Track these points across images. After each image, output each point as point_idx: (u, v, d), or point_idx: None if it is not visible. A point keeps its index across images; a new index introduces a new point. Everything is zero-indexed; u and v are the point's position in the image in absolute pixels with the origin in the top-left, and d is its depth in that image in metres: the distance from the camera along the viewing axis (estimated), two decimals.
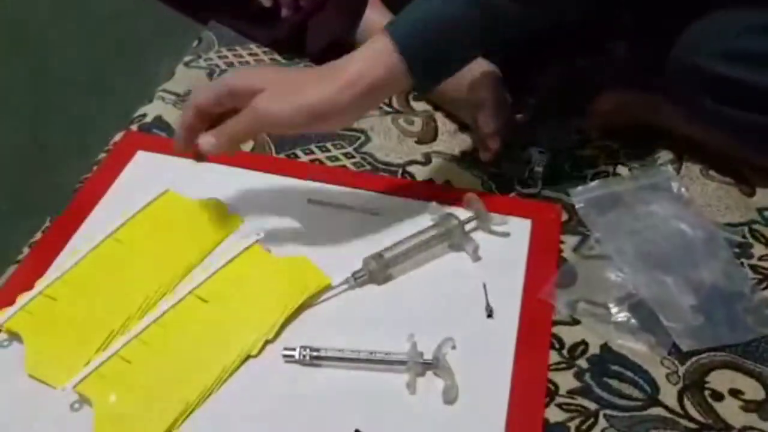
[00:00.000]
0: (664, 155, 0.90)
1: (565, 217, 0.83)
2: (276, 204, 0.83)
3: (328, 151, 0.90)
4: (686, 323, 0.72)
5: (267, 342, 0.69)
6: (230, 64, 1.03)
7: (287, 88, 0.68)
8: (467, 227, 0.79)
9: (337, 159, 0.89)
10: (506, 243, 0.79)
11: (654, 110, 0.88)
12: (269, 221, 0.80)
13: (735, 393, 0.67)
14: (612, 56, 0.94)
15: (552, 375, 0.68)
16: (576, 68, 0.95)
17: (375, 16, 0.99)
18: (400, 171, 0.88)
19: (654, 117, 0.89)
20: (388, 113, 0.96)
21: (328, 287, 0.73)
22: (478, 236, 0.79)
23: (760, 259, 0.78)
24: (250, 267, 0.75)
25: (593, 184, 0.85)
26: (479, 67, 0.87)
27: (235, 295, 0.73)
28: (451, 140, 0.93)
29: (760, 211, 0.84)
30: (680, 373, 0.68)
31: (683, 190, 0.84)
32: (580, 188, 0.84)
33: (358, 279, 0.73)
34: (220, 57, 1.04)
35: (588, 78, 0.94)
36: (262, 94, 0.67)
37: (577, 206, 0.83)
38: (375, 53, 0.69)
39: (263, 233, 0.77)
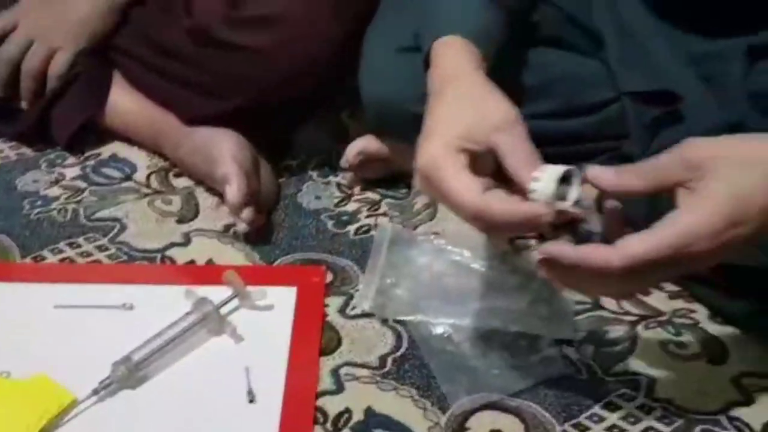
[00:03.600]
0: (423, 199, 0.91)
1: (330, 277, 0.83)
2: (17, 317, 0.76)
3: (79, 247, 0.85)
4: (452, 371, 0.73)
5: None
6: None
7: None
8: (228, 307, 0.76)
9: (89, 254, 0.84)
10: (271, 316, 0.77)
11: (402, 156, 0.89)
12: (9, 338, 0.73)
13: None
14: None
15: None
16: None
17: (120, 96, 0.96)
18: (159, 256, 0.84)
19: (405, 162, 0.91)
20: (145, 195, 0.92)
21: (73, 404, 0.68)
22: (241, 314, 0.76)
23: None
24: None
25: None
26: (222, 140, 0.86)
27: None
28: (213, 215, 0.90)
29: None
30: (442, 424, 0.68)
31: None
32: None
33: (106, 389, 0.69)
34: None
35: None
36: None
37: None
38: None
39: None
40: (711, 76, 0.75)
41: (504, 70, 0.69)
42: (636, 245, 0.52)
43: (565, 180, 0.55)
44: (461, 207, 0.56)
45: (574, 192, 0.54)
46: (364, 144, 0.88)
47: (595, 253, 0.54)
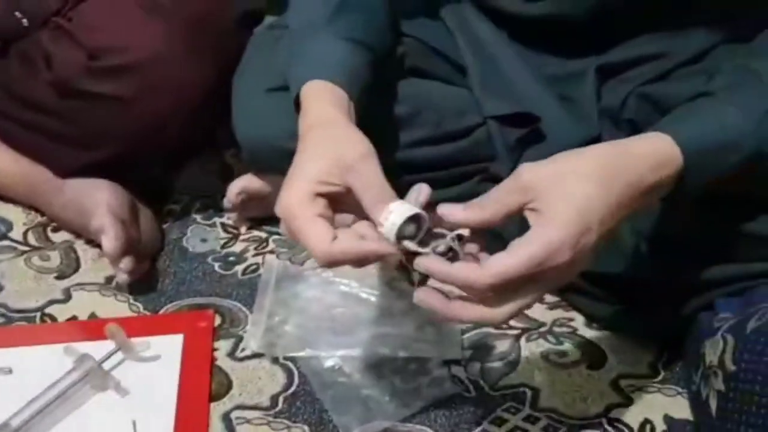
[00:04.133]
0: None
1: (218, 320, 0.82)
2: None
3: None
4: (344, 403, 0.73)
5: None
6: None
7: None
8: (112, 361, 0.74)
9: None
10: (157, 367, 0.76)
11: None
12: None
13: None
14: None
15: None
16: None
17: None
18: (39, 315, 0.81)
19: None
20: (22, 253, 0.89)
21: None
22: (126, 367, 0.75)
23: None
24: None
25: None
26: (95, 190, 0.84)
27: None
28: (95, 267, 0.88)
29: None
30: None
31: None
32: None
33: None
34: None
35: None
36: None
37: None
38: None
39: None
40: (567, 95, 0.79)
41: (374, 104, 0.71)
42: (501, 261, 0.54)
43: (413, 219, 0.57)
44: (314, 255, 0.57)
45: (419, 233, 0.56)
46: (244, 183, 0.88)
47: (464, 269, 0.55)
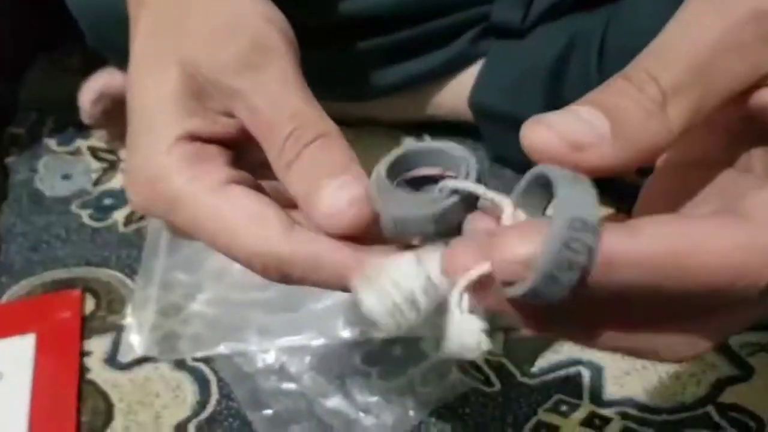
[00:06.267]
0: None
1: (90, 305, 0.54)
2: None
3: None
4: (292, 426, 0.47)
5: None
6: None
7: None
8: None
9: None
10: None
11: None
12: None
13: None
14: None
15: None
16: None
17: None
18: None
19: None
20: None
21: None
22: None
23: None
24: None
25: None
26: None
27: None
28: None
29: None
30: None
31: None
32: None
33: None
34: None
35: None
36: None
37: None
38: None
39: None
40: None
41: None
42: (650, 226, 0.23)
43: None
44: (246, 261, 0.28)
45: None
46: (102, 83, 0.56)
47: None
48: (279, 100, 0.28)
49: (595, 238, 0.20)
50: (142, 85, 0.30)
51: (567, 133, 0.22)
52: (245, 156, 0.30)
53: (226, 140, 0.30)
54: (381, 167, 0.26)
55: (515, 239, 0.21)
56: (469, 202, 0.25)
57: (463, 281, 0.22)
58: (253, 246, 0.27)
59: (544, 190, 0.23)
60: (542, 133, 0.22)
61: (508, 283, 0.22)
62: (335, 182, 0.26)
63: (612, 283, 0.21)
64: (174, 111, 0.29)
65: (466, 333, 0.23)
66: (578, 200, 0.21)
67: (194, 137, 0.29)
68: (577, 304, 0.22)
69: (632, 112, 0.23)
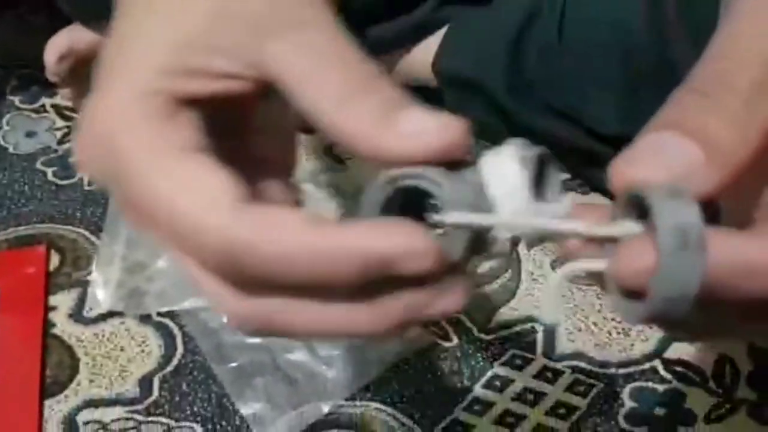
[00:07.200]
0: None
1: (55, 261, 0.54)
2: None
3: None
4: (258, 380, 0.48)
5: None
6: None
7: None
8: None
9: None
10: None
11: None
12: None
13: None
14: None
15: None
16: None
17: None
18: None
19: None
20: None
21: None
22: None
23: None
24: None
25: None
26: None
27: None
28: None
29: None
30: None
31: None
32: None
33: None
34: None
35: None
36: None
37: None
38: None
39: None
40: None
41: None
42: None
43: None
44: (218, 266, 0.22)
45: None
46: (69, 38, 0.56)
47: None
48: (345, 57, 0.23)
49: (704, 254, 0.20)
50: (133, 27, 0.24)
51: (661, 169, 0.21)
52: (245, 151, 0.26)
53: (219, 100, 0.24)
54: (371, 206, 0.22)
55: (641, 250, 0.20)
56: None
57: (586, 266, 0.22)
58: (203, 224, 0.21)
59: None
60: (635, 173, 0.21)
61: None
62: (418, 108, 0.22)
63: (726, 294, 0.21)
64: (162, 58, 0.23)
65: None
66: (682, 214, 0.20)
67: (175, 95, 0.23)
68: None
69: (720, 130, 0.21)
